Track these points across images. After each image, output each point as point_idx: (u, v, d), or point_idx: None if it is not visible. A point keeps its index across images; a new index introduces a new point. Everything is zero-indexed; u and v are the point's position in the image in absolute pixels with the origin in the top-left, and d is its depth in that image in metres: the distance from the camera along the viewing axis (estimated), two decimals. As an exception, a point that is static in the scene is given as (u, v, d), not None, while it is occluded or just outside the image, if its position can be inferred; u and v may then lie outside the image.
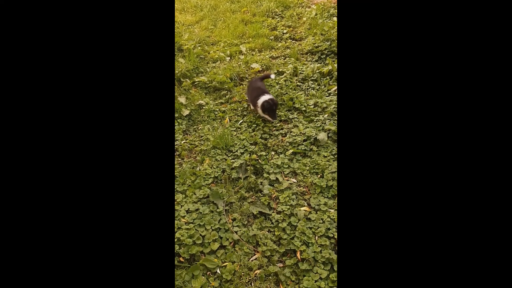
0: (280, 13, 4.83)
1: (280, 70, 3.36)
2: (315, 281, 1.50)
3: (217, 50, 3.90)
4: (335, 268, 1.55)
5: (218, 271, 1.57)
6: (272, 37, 4.13)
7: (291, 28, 4.37)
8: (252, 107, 2.67)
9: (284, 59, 3.63)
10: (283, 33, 4.24)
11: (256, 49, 3.87)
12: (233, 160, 2.25)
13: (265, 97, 2.45)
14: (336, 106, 2.69)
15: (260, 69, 3.41)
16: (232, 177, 2.12)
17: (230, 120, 2.70)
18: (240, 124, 2.64)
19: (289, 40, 4.07)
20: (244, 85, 3.19)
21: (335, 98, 2.81)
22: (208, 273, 1.58)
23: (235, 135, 2.49)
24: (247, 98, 2.81)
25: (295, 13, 4.74)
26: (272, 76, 2.91)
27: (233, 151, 2.34)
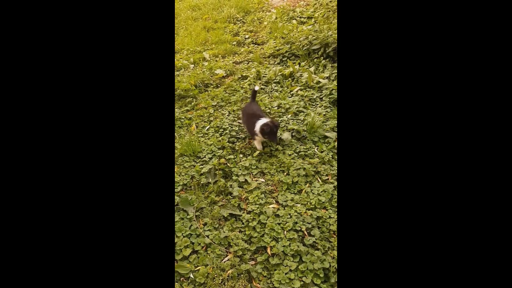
0: (241, 18, 4.93)
1: (244, 74, 3.44)
2: (285, 274, 1.57)
3: (181, 58, 3.91)
4: (304, 259, 1.63)
5: (191, 275, 1.60)
6: (234, 43, 4.21)
7: (253, 33, 4.48)
8: (251, 138, 2.44)
9: (248, 63, 3.73)
10: (246, 38, 4.34)
11: (220, 55, 3.93)
12: (202, 166, 2.28)
13: (264, 120, 2.26)
14: (299, 106, 2.81)
15: (224, 74, 3.47)
16: (202, 182, 2.15)
17: (197, 127, 2.73)
18: (207, 129, 2.67)
19: (252, 45, 4.17)
20: (209, 91, 3.23)
21: (297, 98, 2.94)
22: (181, 279, 1.59)
23: (202, 141, 2.52)
24: (244, 126, 2.57)
25: (256, 18, 4.87)
26: (257, 87, 2.65)
27: (201, 157, 2.37)
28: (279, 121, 2.68)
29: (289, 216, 1.87)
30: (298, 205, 1.94)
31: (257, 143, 2.38)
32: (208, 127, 2.70)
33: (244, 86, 3.22)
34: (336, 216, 1.86)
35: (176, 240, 1.76)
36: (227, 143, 2.47)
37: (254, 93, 2.62)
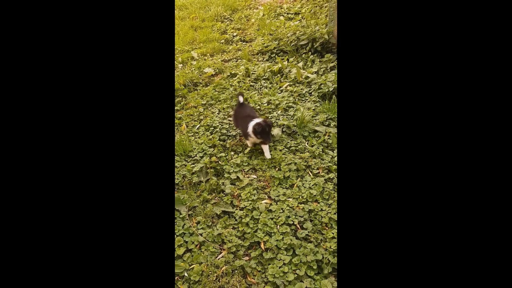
0: (228, 16, 4.91)
1: (233, 72, 3.43)
2: (279, 267, 1.59)
3: (169, 58, 3.88)
4: (297, 252, 1.65)
5: (186, 274, 1.60)
6: (222, 41, 4.20)
7: (240, 31, 4.47)
8: (244, 140, 2.40)
9: (236, 61, 3.72)
10: (233, 36, 4.33)
11: (208, 54, 3.91)
12: (193, 165, 2.27)
13: (256, 120, 2.22)
14: (289, 102, 2.83)
15: (213, 73, 3.46)
16: (193, 181, 2.14)
17: (187, 126, 2.72)
18: (197, 128, 2.67)
19: (240, 42, 4.17)
20: (198, 90, 3.21)
21: (286, 94, 2.95)
22: (176, 278, 1.59)
23: (193, 140, 2.51)
24: (237, 128, 2.52)
25: (243, 16, 4.86)
26: (241, 98, 2.53)
27: (192, 156, 2.36)
28: (269, 117, 2.69)
29: (281, 211, 1.88)
30: (290, 199, 1.96)
31: (249, 144, 2.35)
32: (198, 126, 2.69)
33: (233, 84, 3.22)
34: (327, 209, 1.88)
35: (169, 239, 1.75)
36: (218, 141, 2.47)
37: (240, 100, 2.55)
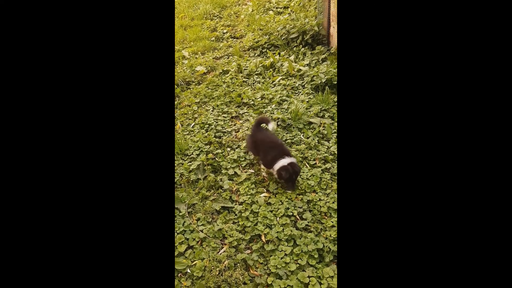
0: (218, 14, 4.89)
1: (225, 69, 3.43)
2: (281, 258, 1.60)
3: (160, 58, 3.85)
4: (298, 243, 1.66)
5: (189, 270, 1.60)
6: (213, 38, 4.18)
7: (230, 27, 4.46)
8: (265, 169, 2.11)
9: (228, 58, 3.71)
10: (224, 33, 4.32)
11: (199, 52, 3.89)
12: (190, 163, 2.27)
13: (285, 162, 1.93)
14: (282, 95, 2.83)
15: (205, 71, 3.45)
16: (191, 179, 2.15)
17: (182, 125, 2.71)
18: (193, 127, 2.66)
19: (230, 39, 4.15)
20: (191, 89, 3.20)
21: (279, 88, 2.95)
22: (179, 275, 1.60)
23: (188, 139, 2.51)
24: (252, 153, 2.24)
25: (232, 12, 4.84)
26: (271, 126, 2.22)
27: (189, 154, 2.36)
28: (264, 112, 2.69)
29: (280, 203, 1.89)
30: (288, 191, 1.97)
31: (265, 174, 2.12)
32: (193, 124, 2.69)
33: (226, 81, 3.21)
34: (326, 198, 1.90)
35: (170, 237, 1.76)
36: (214, 138, 2.47)
37: (260, 124, 2.24)
